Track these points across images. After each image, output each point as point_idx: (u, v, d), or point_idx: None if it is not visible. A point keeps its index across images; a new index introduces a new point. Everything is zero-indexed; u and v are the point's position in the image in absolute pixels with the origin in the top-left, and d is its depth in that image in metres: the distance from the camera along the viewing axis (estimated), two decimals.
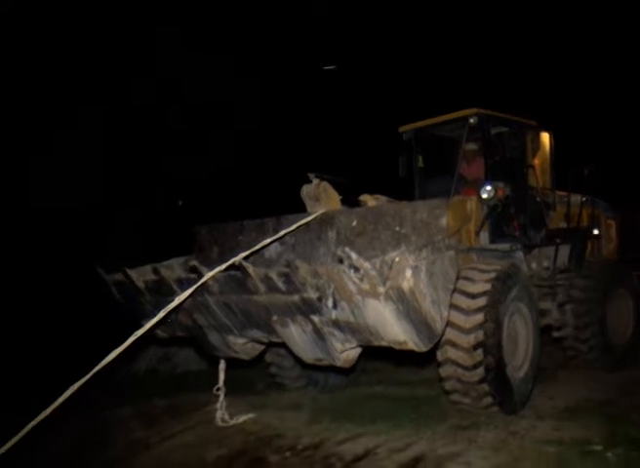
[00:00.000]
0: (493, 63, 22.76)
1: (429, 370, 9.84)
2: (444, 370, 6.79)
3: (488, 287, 6.71)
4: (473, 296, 6.64)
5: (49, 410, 4.94)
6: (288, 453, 6.48)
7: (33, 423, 4.84)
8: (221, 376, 7.75)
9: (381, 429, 6.87)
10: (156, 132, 21.92)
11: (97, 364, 5.17)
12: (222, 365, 7.79)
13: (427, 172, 9.82)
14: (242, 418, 7.68)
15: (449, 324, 6.31)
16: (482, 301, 6.60)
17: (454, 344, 6.56)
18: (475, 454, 5.95)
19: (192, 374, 11.51)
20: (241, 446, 6.91)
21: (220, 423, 7.63)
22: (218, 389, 7.72)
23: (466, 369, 6.56)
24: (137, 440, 7.56)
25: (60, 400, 4.98)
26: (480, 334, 6.49)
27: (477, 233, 7.65)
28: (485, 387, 6.62)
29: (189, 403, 8.60)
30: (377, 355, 9.91)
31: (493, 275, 6.86)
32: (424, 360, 10.00)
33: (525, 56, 23.23)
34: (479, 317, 6.53)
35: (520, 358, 7.44)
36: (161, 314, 5.68)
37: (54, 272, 16.74)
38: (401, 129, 9.73)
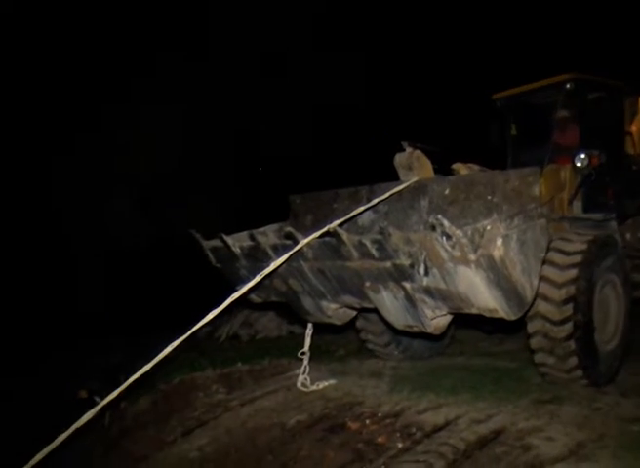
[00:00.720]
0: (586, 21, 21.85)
1: (511, 342, 9.79)
2: (532, 326, 6.73)
3: (584, 246, 6.73)
4: (569, 254, 6.65)
5: (147, 368, 5.27)
6: (368, 421, 6.49)
7: (133, 379, 5.13)
8: (307, 341, 7.84)
9: (462, 400, 6.83)
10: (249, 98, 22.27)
11: None
12: (309, 330, 7.88)
13: (520, 140, 9.56)
14: (322, 384, 7.75)
15: (542, 278, 6.28)
16: (577, 258, 6.60)
17: (545, 298, 6.52)
18: (557, 430, 5.85)
19: (272, 340, 11.69)
20: (321, 411, 6.95)
21: (301, 387, 7.74)
22: (302, 353, 7.82)
23: (555, 323, 6.51)
24: (218, 402, 7.71)
25: (158, 358, 5.37)
26: (572, 289, 6.44)
27: (570, 202, 7.63)
28: (571, 345, 6.52)
29: (270, 368, 8.72)
30: (459, 325, 9.90)
31: (590, 238, 6.90)
32: (507, 332, 9.98)
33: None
34: (573, 272, 6.49)
35: (610, 331, 7.34)
36: (258, 278, 5.82)
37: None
38: (494, 96, 9.53)
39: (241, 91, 22.42)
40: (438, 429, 6.10)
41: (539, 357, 6.89)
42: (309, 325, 7.83)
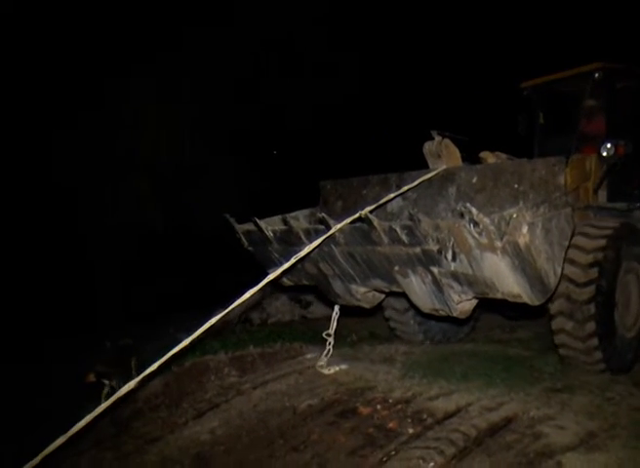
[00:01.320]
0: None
1: (524, 330, 9.80)
2: (555, 307, 6.91)
3: (609, 232, 6.96)
4: (594, 238, 6.90)
5: (183, 344, 5.52)
6: (379, 406, 6.50)
7: (167, 356, 5.40)
8: (334, 324, 7.94)
9: (473, 387, 6.84)
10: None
11: None
12: (336, 313, 7.99)
13: (548, 128, 9.65)
14: (334, 369, 7.78)
15: (567, 261, 6.45)
16: (602, 243, 6.82)
17: (569, 279, 6.70)
18: (569, 418, 5.86)
19: (284, 324, 11.73)
20: (332, 396, 6.96)
21: (319, 369, 7.79)
22: (327, 334, 7.92)
23: (577, 305, 6.71)
24: (230, 385, 7.74)
25: (196, 334, 5.74)
26: (595, 272, 6.67)
27: (595, 191, 7.72)
28: (592, 326, 6.70)
29: (282, 351, 8.73)
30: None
31: (615, 225, 7.12)
32: (522, 320, 9.98)
33: None
34: (597, 256, 6.74)
35: (631, 319, 7.46)
36: (292, 261, 5.98)
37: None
38: (522, 84, 9.61)
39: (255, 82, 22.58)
40: (449, 416, 6.11)
41: (559, 338, 7.03)
42: (336, 307, 7.94)
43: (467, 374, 7.34)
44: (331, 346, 7.97)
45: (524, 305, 5.91)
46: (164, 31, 20.18)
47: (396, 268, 6.37)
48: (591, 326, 6.67)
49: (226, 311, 5.84)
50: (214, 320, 5.67)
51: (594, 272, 6.66)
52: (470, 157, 8.16)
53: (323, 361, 7.89)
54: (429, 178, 7.27)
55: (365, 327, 10.13)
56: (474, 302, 6.46)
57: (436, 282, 6.10)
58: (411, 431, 5.85)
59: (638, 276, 7.52)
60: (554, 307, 6.89)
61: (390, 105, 23.34)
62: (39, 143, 18.61)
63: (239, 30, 21.91)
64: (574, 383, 6.89)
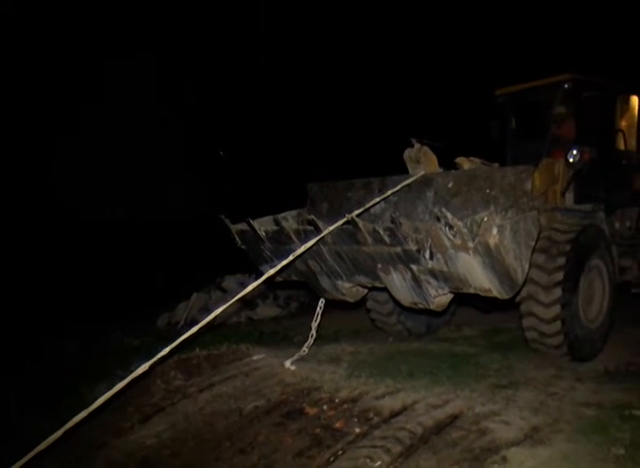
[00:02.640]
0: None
1: (470, 328, 9.90)
2: (524, 307, 7.56)
3: (572, 236, 7.57)
4: (559, 243, 7.51)
5: (176, 343, 6.02)
6: (325, 406, 6.49)
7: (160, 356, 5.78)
8: (318, 317, 8.36)
9: (420, 385, 6.88)
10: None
11: None
12: (320, 307, 8.38)
13: (519, 134, 10.32)
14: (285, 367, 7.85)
15: (533, 265, 7.12)
16: (566, 247, 7.43)
17: (535, 282, 7.35)
18: (513, 414, 5.93)
19: (231, 326, 11.64)
20: (279, 397, 6.94)
21: (288, 364, 7.90)
22: (315, 325, 8.36)
23: (543, 305, 7.33)
24: (176, 388, 7.65)
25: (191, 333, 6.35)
26: (560, 275, 7.29)
27: (563, 194, 8.30)
28: (558, 324, 7.32)
29: (229, 353, 8.65)
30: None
31: (579, 227, 7.79)
32: (464, 318, 10.09)
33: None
34: (561, 260, 7.34)
35: (594, 312, 8.14)
36: (290, 258, 6.70)
37: None
38: (496, 92, 10.25)
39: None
40: (396, 414, 6.13)
41: (529, 334, 7.67)
42: (321, 302, 8.37)
43: (413, 373, 7.39)
44: (312, 339, 8.36)
45: (494, 299, 6.52)
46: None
47: (379, 266, 6.98)
48: (557, 324, 7.29)
49: (228, 304, 6.54)
50: (213, 315, 6.46)
51: (559, 276, 7.29)
52: (447, 162, 8.63)
53: (301, 352, 8.27)
54: (409, 183, 7.84)
55: (310, 327, 10.11)
56: (450, 296, 7.11)
57: (415, 278, 6.74)
58: (357, 430, 5.85)
59: (601, 273, 8.15)
60: (524, 307, 7.55)
61: (367, 112, 23.57)
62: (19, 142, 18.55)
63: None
64: (518, 379, 7.00)
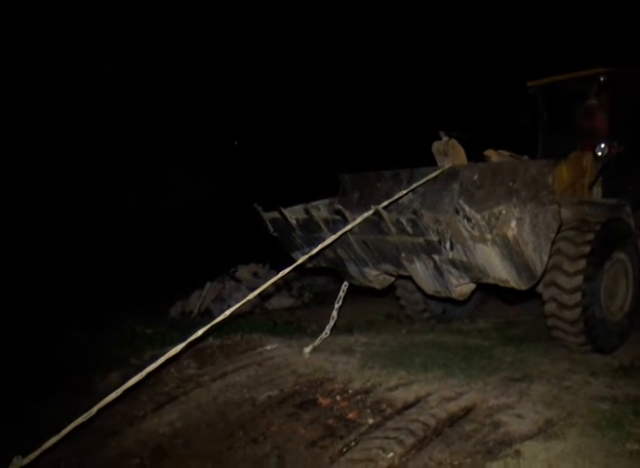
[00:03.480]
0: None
1: (483, 321, 9.86)
2: (547, 293, 7.54)
3: (598, 227, 7.56)
4: (584, 232, 7.54)
5: (200, 333, 6.27)
6: (338, 397, 6.50)
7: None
8: (340, 301, 8.63)
9: (433, 377, 6.87)
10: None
11: None
12: (343, 290, 8.68)
13: (551, 126, 10.22)
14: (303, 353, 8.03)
15: (558, 252, 7.39)
16: (591, 236, 7.44)
17: (560, 270, 7.35)
18: (527, 407, 5.90)
19: (244, 316, 11.65)
20: (292, 387, 6.96)
21: (306, 351, 8.13)
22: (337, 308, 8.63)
23: (566, 292, 7.33)
24: (189, 377, 7.67)
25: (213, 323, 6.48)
26: (583, 263, 7.31)
27: (590, 187, 8.47)
28: (578, 312, 7.33)
29: (242, 343, 8.67)
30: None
31: (603, 220, 7.76)
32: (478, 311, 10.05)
33: None
34: (586, 249, 7.37)
35: (618, 304, 8.10)
36: (319, 247, 6.98)
37: None
38: (529, 83, 10.11)
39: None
40: (409, 406, 6.13)
41: (550, 321, 7.64)
42: (345, 283, 8.67)
43: (427, 365, 7.37)
44: (334, 321, 8.63)
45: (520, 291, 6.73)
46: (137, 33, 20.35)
47: (403, 255, 7.21)
48: (577, 311, 7.31)
49: (259, 291, 6.63)
50: (250, 296, 6.61)
51: (582, 264, 7.28)
52: (476, 155, 8.86)
53: (322, 336, 8.56)
54: (436, 175, 7.94)
55: (324, 317, 10.09)
56: (472, 286, 7.28)
57: (437, 268, 6.95)
58: (370, 421, 5.85)
59: (626, 268, 8.14)
60: (546, 294, 7.52)
61: (396, 104, 23.58)
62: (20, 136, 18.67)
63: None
64: (532, 373, 6.96)
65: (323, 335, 8.52)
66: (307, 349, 8.12)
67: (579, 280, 7.28)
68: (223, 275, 13.33)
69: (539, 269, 6.47)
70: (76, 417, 5.22)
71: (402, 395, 6.39)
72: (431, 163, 8.48)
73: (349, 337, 9.00)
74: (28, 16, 19.55)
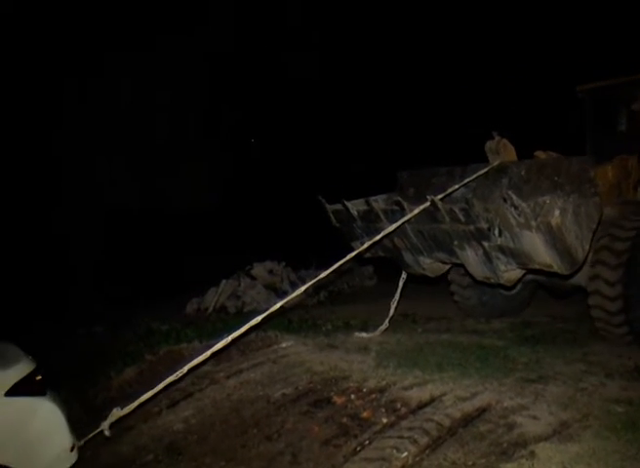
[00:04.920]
0: None
1: (499, 321, 9.84)
2: (591, 286, 8.07)
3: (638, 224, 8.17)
4: (626, 229, 8.09)
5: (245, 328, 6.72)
6: (353, 396, 6.50)
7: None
8: (400, 286, 9.43)
9: (448, 377, 6.85)
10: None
11: None
12: (403, 279, 9.45)
13: (599, 130, 10.58)
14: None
15: (603, 248, 7.98)
16: (631, 234, 8.03)
17: (603, 263, 7.92)
18: (542, 409, 5.88)
19: (259, 313, 11.65)
20: (307, 385, 6.97)
21: (363, 334, 8.99)
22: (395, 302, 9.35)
23: (608, 284, 7.90)
24: (204, 374, 7.70)
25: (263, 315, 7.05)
26: (625, 258, 7.88)
27: (635, 188, 9.01)
28: (619, 303, 7.86)
29: (257, 340, 8.69)
30: (446, 304, 9.92)
31: None
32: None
33: None
34: (626, 244, 7.95)
35: None
36: (378, 237, 7.79)
37: None
38: (579, 88, 10.52)
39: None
40: (423, 405, 6.12)
41: (594, 313, 8.18)
42: (404, 273, 9.40)
43: (442, 364, 7.35)
44: (395, 304, 9.36)
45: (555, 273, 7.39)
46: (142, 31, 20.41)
47: (455, 242, 7.82)
48: (619, 289, 7.83)
49: (314, 281, 7.46)
50: (294, 294, 7.27)
51: (625, 257, 7.85)
52: (525, 154, 9.45)
53: (385, 324, 9.24)
54: (487, 171, 8.63)
55: (340, 316, 10.13)
56: (518, 273, 7.89)
57: (486, 254, 7.57)
58: (385, 421, 5.86)
59: None
60: (591, 286, 8.06)
61: (454, 105, 23.71)
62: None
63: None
64: (548, 374, 6.94)
65: (384, 326, 9.17)
66: (364, 334, 9.04)
67: (620, 273, 7.81)
68: (239, 272, 13.36)
69: (580, 256, 7.12)
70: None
71: (417, 394, 6.38)
72: (483, 160, 9.22)
73: (365, 336, 8.98)
74: (28, 15, 19.66)
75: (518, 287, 9.94)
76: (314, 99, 24.08)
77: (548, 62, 22.26)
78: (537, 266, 7.29)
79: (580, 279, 8.38)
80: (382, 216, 8.46)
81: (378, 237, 7.76)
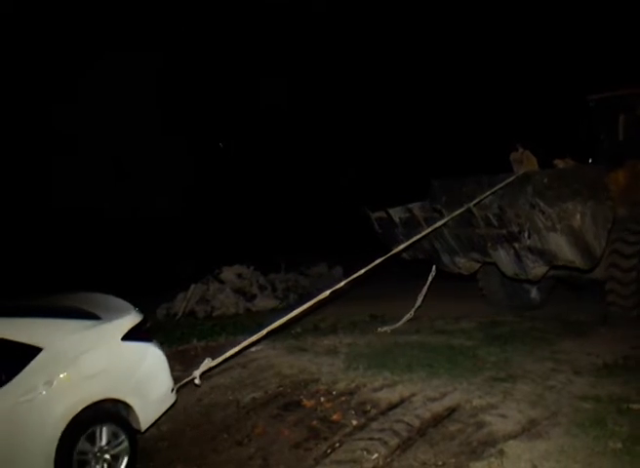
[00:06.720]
0: None
1: (467, 321, 9.87)
2: (607, 273, 9.17)
3: None
4: (636, 233, 9.16)
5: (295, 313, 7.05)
6: (323, 398, 6.50)
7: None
8: (429, 281, 10.10)
9: (417, 378, 6.89)
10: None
11: None
12: (432, 275, 10.18)
13: (610, 137, 11.09)
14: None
15: (615, 251, 9.02)
16: None
17: (619, 255, 9.03)
18: (511, 407, 5.94)
19: (229, 317, 11.63)
20: (276, 389, 6.97)
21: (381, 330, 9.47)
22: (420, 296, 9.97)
23: (623, 271, 9.03)
24: (174, 379, 7.62)
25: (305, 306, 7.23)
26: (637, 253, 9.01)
27: None
28: (632, 287, 8.98)
29: (226, 345, 8.61)
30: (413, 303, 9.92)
31: None
32: (462, 310, 10.06)
33: None
34: (637, 247, 9.03)
35: None
36: (415, 238, 8.81)
37: None
38: (588, 97, 11.20)
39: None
40: (393, 406, 6.14)
41: (610, 297, 9.21)
42: (433, 268, 10.26)
43: (411, 365, 7.38)
44: (421, 298, 9.93)
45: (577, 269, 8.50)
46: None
47: (489, 244, 8.89)
48: (632, 276, 8.94)
49: (346, 281, 7.52)
50: (322, 295, 7.19)
51: (638, 247, 8.96)
52: (546, 163, 10.78)
53: (406, 317, 9.81)
54: (512, 180, 9.53)
55: (309, 319, 10.09)
56: (544, 269, 8.75)
57: (517, 254, 8.61)
58: (355, 423, 5.86)
59: None
60: (607, 273, 9.13)
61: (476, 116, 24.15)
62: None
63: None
64: (516, 372, 6.99)
65: (409, 315, 9.79)
66: (386, 328, 9.56)
67: (633, 261, 8.91)
68: (208, 276, 13.27)
69: (598, 252, 8.17)
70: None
71: (386, 396, 6.40)
72: (507, 170, 10.46)
73: (334, 338, 9.03)
74: (28, 16, 19.51)
75: (541, 282, 10.63)
76: (279, 105, 24.09)
77: (558, 72, 22.94)
78: (561, 263, 8.34)
79: (597, 273, 9.19)
80: (423, 222, 9.50)
81: (415, 238, 8.76)
